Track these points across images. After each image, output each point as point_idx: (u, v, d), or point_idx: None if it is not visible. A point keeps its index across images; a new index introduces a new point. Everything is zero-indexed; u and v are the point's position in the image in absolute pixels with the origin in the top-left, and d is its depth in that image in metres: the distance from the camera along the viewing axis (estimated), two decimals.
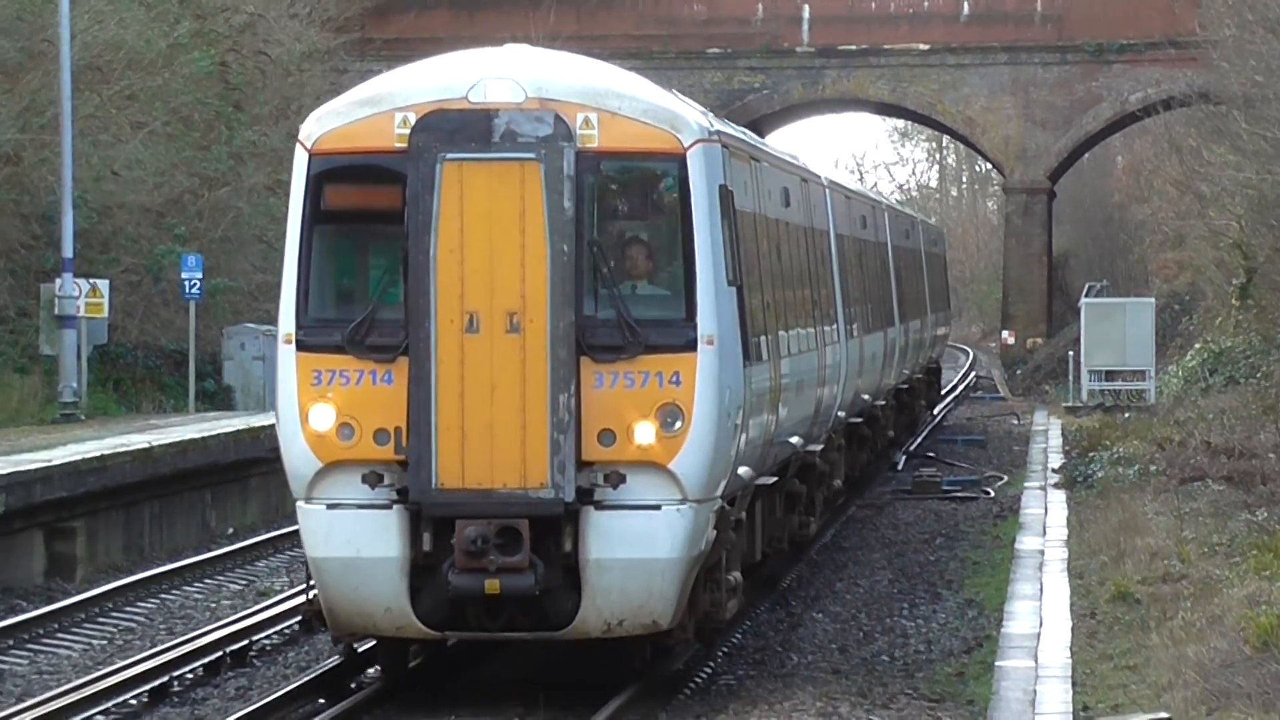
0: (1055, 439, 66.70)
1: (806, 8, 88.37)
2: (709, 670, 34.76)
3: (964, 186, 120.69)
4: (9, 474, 39.57)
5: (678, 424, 24.10)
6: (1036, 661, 32.64)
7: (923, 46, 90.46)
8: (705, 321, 24.39)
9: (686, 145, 24.21)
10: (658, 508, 24.04)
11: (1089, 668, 32.07)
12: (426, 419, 23.20)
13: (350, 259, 25.20)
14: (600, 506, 23.75)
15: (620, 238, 24.74)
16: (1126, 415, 69.17)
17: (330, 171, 23.91)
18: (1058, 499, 52.31)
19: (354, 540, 23.47)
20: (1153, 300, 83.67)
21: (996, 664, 32.75)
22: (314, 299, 24.05)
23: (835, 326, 41.36)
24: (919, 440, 69.88)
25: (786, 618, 39.62)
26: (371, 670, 28.35)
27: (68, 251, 58.36)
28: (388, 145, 23.83)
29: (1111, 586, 38.58)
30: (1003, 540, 48.32)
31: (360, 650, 26.54)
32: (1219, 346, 74.65)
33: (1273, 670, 29.64)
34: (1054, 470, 57.90)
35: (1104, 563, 41.97)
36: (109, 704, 28.03)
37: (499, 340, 23.67)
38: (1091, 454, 59.12)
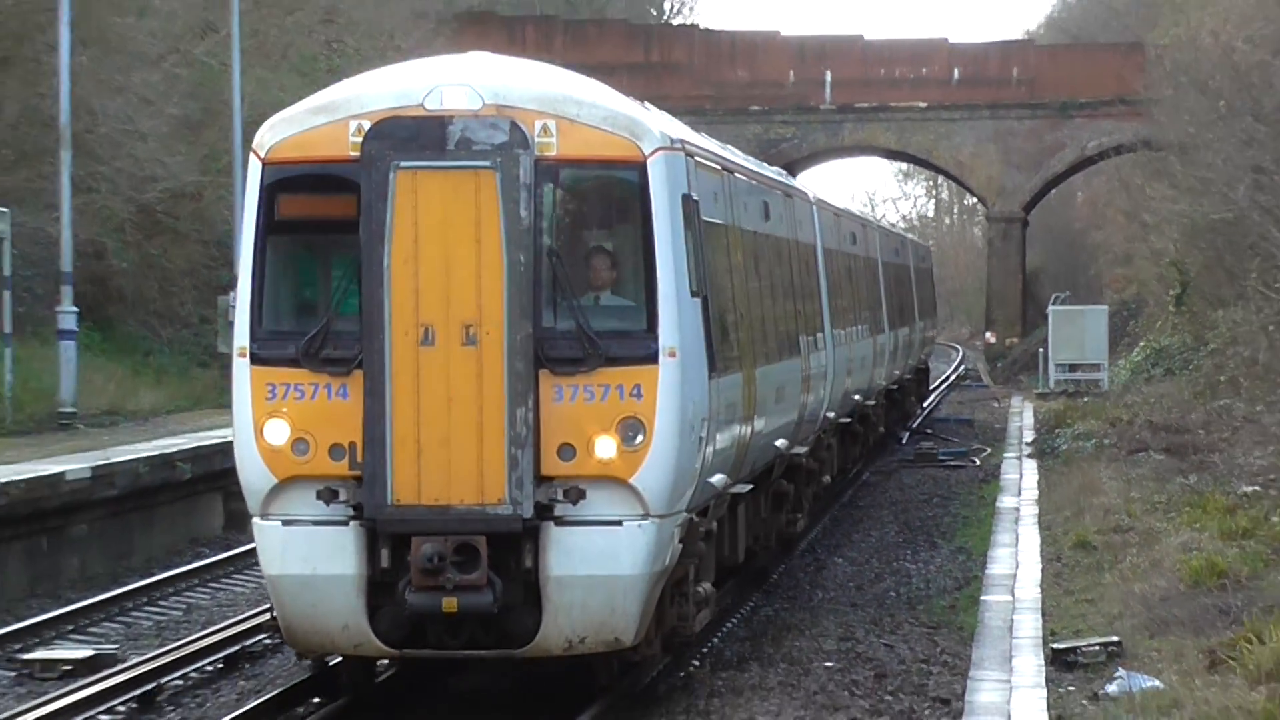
0: (1029, 419, 67.37)
1: (828, 74, 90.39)
2: (753, 604, 33.46)
3: (955, 216, 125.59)
4: (193, 448, 40.32)
5: (639, 438, 20.57)
6: (1013, 596, 32.58)
7: (922, 104, 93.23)
8: (667, 333, 20.89)
9: (647, 153, 20.84)
10: (619, 523, 20.60)
11: (1055, 601, 31.84)
12: (381, 434, 19.96)
13: (305, 270, 22.00)
14: (560, 522, 20.46)
15: (580, 247, 21.59)
16: (1085, 399, 69.83)
17: (284, 181, 20.84)
18: (1030, 467, 52.10)
19: (310, 557, 20.31)
20: (1106, 307, 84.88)
21: (981, 598, 32.72)
22: (268, 311, 21.02)
23: (822, 334, 37.44)
24: (919, 420, 70.08)
25: (813, 562, 39.13)
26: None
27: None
28: (342, 154, 20.61)
29: (1073, 536, 38.38)
30: (986, 500, 47.91)
31: (331, 664, 23.38)
32: (1159, 344, 76.49)
33: (1201, 603, 29.70)
34: (1027, 444, 58.52)
35: (1067, 517, 41.65)
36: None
37: (455, 353, 20.28)
38: (1057, 430, 60.23)
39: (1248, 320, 55.27)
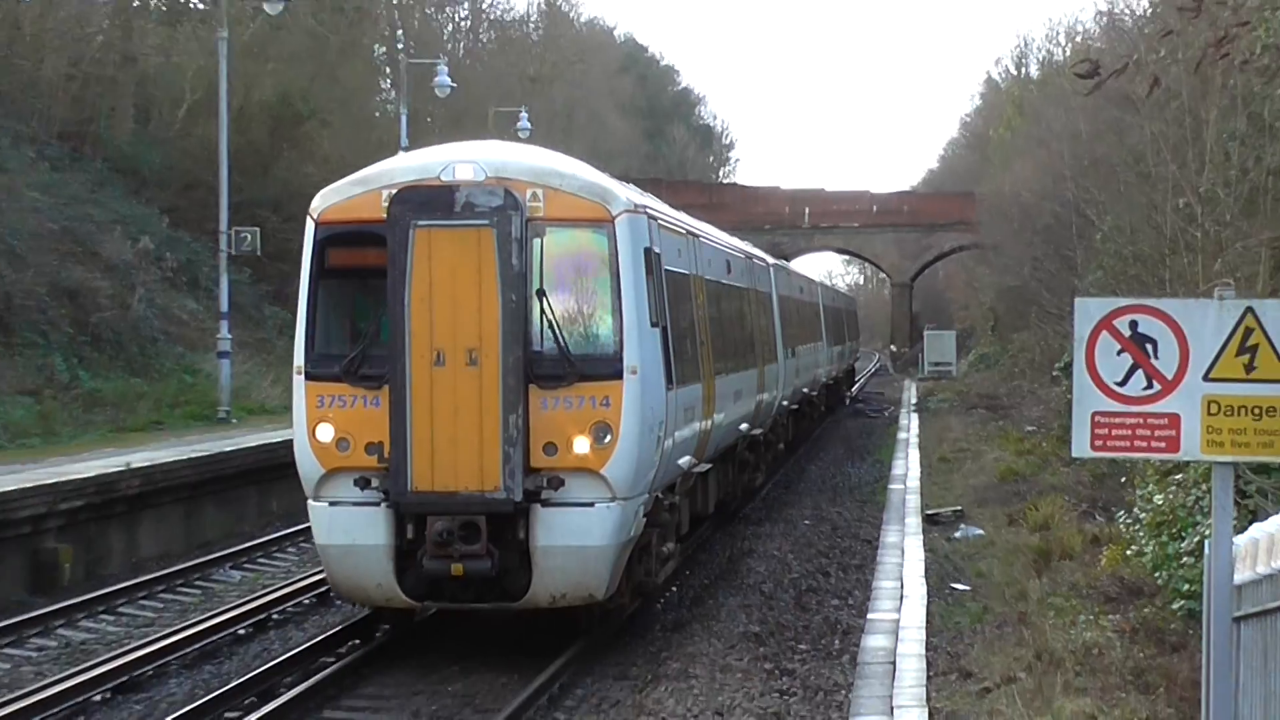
0: (913, 392, 67.87)
1: (806, 209, 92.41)
2: (762, 495, 32.42)
3: (874, 284, 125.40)
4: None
5: (608, 438, 17.72)
6: (905, 485, 32.68)
7: (856, 224, 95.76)
8: (629, 356, 17.89)
9: (614, 214, 18.02)
10: (591, 505, 17.80)
11: (928, 488, 31.85)
12: (403, 435, 17.37)
13: (348, 307, 19.06)
14: (546, 504, 17.68)
15: (562, 288, 18.08)
16: (943, 381, 75.65)
17: (332, 237, 18.29)
18: (915, 417, 51.56)
19: (350, 531, 17.85)
20: (955, 331, 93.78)
21: (888, 487, 32.89)
22: (319, 339, 18.41)
23: (776, 351, 33.18)
24: (857, 391, 71.62)
25: (797, 469, 38.87)
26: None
27: None
28: (376, 215, 17.91)
29: (937, 454, 38.48)
30: (890, 435, 47.23)
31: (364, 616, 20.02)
32: (983, 352, 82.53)
33: (1005, 489, 30.09)
34: (913, 405, 59.24)
35: (934, 443, 41.81)
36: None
37: (461, 372, 17.45)
38: (928, 398, 62.46)
39: (1029, 340, 56.53)
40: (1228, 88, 20.24)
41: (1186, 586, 15.75)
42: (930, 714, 14.47)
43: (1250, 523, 5.61)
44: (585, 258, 17.85)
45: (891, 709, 14.86)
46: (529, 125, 59.04)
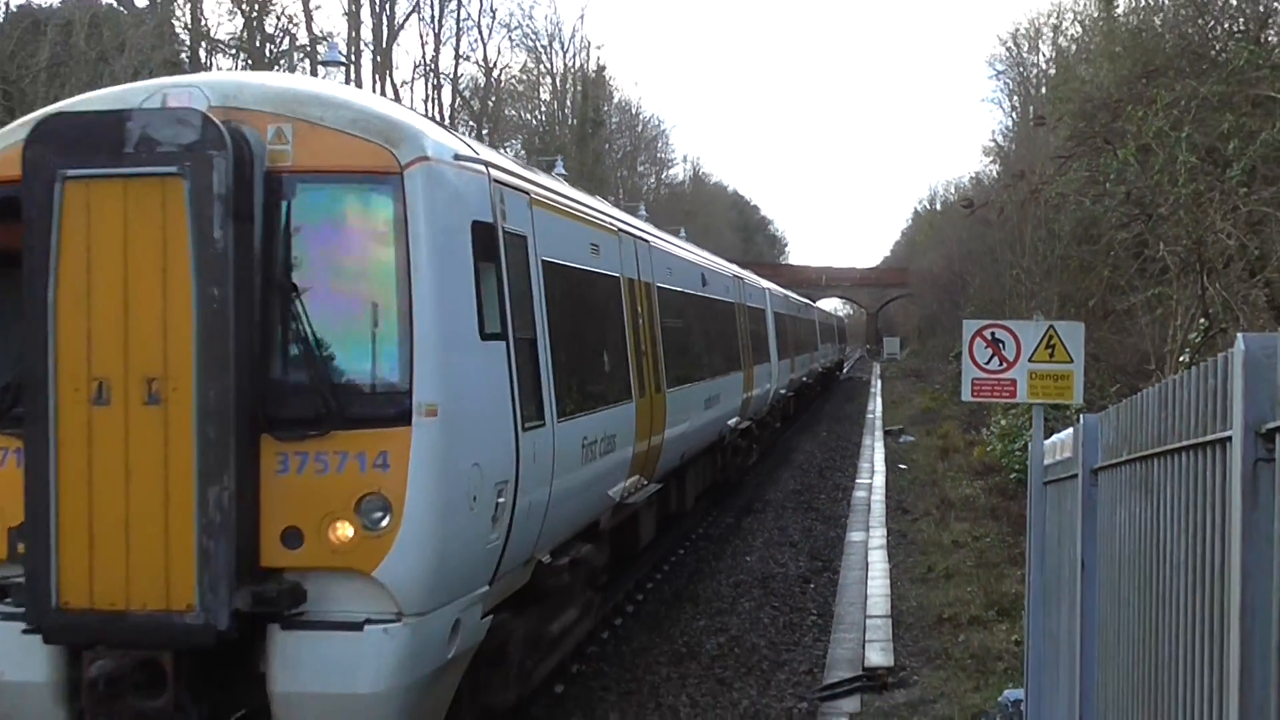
0: (877, 370, 62.53)
1: (824, 277, 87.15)
2: (793, 429, 28.96)
3: (857, 313, 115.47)
4: None
5: (383, 518, 4.93)
6: (878, 415, 32.43)
7: (847, 283, 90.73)
8: (425, 387, 5.00)
9: (406, 162, 5.03)
10: (359, 627, 4.95)
11: (887, 414, 32.07)
12: (45, 517, 4.83)
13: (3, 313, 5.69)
14: (287, 625, 4.94)
15: (317, 278, 5.05)
16: (892, 365, 68.30)
17: None
18: (879, 384, 48.38)
19: None
20: (899, 337, 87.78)
21: (865, 416, 32.69)
22: None
23: (770, 354, 20.83)
24: (844, 373, 64.78)
25: (817, 412, 35.39)
26: None
27: None
28: (15, 171, 5.13)
29: (890, 399, 38.52)
30: (864, 391, 44.95)
31: None
32: (913, 349, 76.72)
33: (925, 417, 29.01)
34: (878, 376, 55.97)
35: (890, 394, 41.31)
36: None
37: (135, 414, 4.79)
38: (885, 373, 58.42)
39: (937, 343, 54.56)
40: (1037, 215, 20.57)
41: (1018, 467, 15.93)
42: (887, 530, 14.86)
43: (1050, 435, 6.33)
44: (356, 230, 5.70)
45: (868, 527, 15.28)
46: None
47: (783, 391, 24.17)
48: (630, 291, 10.07)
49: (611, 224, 9.77)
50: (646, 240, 11.38)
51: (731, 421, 16.12)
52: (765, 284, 23.84)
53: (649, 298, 10.91)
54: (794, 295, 33.37)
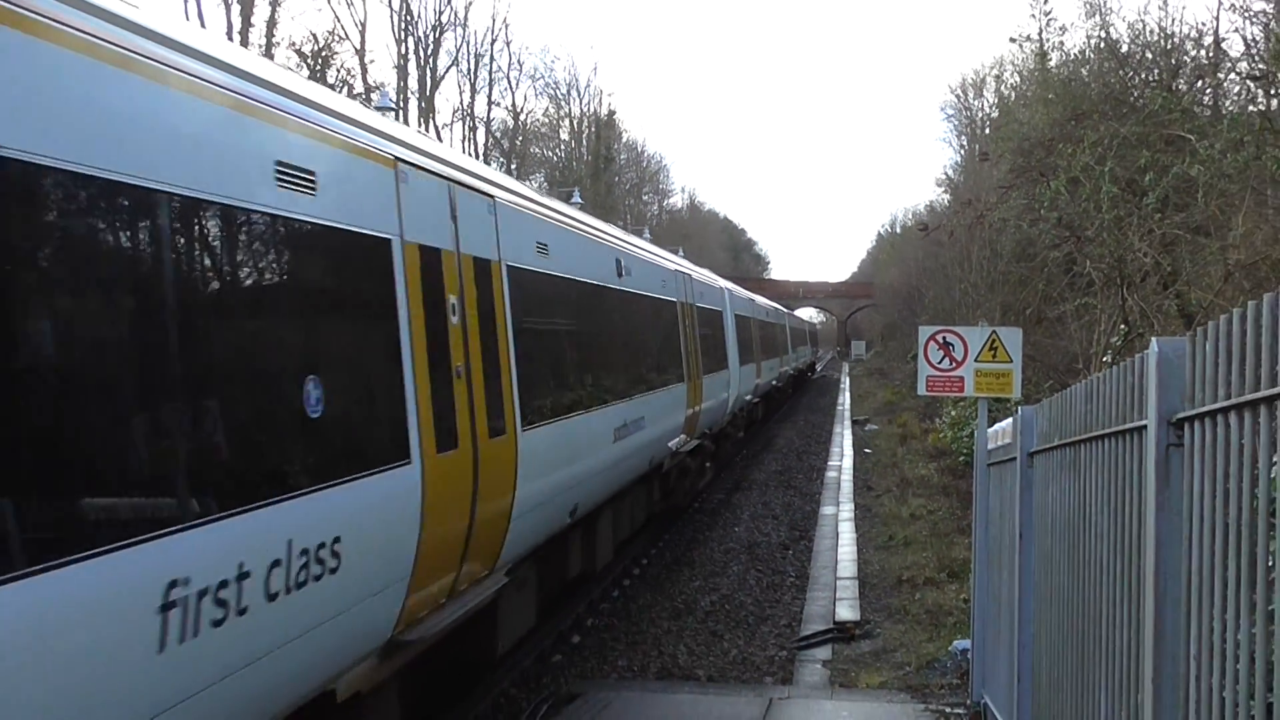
0: (847, 370, 59.92)
1: (801, 290, 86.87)
2: (777, 416, 28.77)
3: (829, 320, 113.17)
4: None
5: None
6: (847, 407, 31.09)
7: (821, 295, 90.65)
8: None
9: None
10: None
11: (855, 405, 31.16)
12: None
13: None
14: None
15: None
16: (860, 364, 66.44)
17: None
18: (848, 380, 46.98)
19: None
20: (865, 341, 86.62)
21: (835, 406, 31.68)
22: None
23: (728, 360, 15.64)
24: (817, 374, 62.76)
25: (794, 405, 33.64)
26: None
27: None
28: None
29: (859, 394, 36.83)
30: (837, 388, 42.94)
31: None
32: (877, 350, 74.17)
33: (887, 409, 28.14)
34: (848, 374, 53.81)
35: (858, 389, 39.93)
36: None
37: None
38: (853, 372, 56.39)
39: (897, 345, 50.58)
40: (983, 236, 20.53)
41: (966, 451, 15.93)
42: (854, 504, 14.77)
43: (993, 424, 6.29)
44: None
45: (838, 502, 15.18)
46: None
47: (748, 398, 19.47)
48: (424, 273, 4.90)
49: (383, 151, 4.72)
50: (487, 194, 5.91)
51: (673, 443, 11.49)
52: (724, 283, 18.86)
53: (486, 285, 5.78)
54: (761, 299, 27.63)
